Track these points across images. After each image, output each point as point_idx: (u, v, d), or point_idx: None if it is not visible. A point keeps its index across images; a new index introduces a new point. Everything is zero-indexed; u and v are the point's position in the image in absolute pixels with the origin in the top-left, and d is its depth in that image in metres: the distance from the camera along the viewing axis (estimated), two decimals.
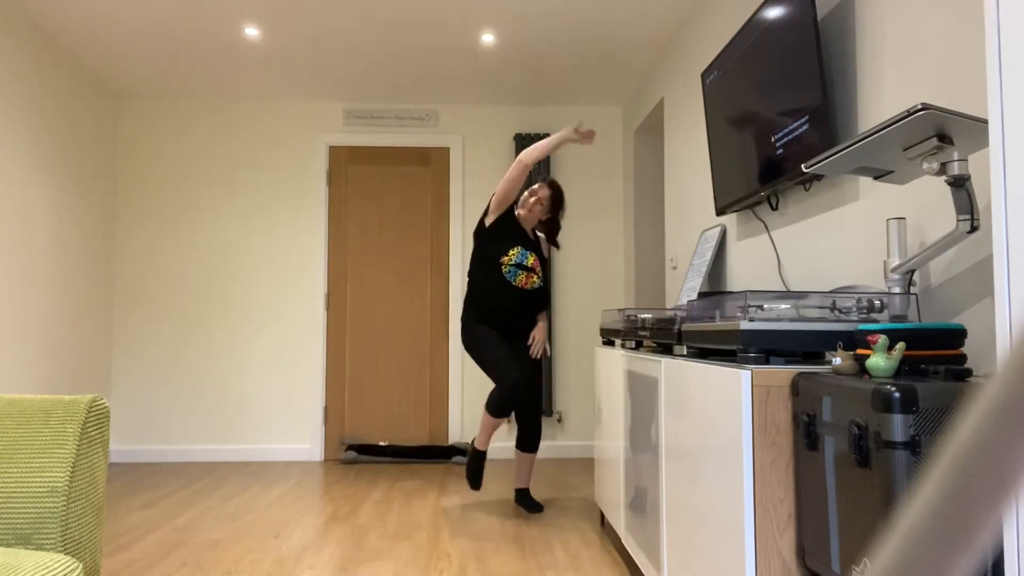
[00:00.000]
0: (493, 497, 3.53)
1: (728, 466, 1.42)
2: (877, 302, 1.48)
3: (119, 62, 4.06)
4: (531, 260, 3.22)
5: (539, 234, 3.41)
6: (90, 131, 4.24)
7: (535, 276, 3.23)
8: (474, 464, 3.22)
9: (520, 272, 3.18)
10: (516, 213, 3.29)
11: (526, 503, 3.29)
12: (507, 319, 3.23)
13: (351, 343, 4.65)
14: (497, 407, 3.12)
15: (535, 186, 3.30)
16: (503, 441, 4.64)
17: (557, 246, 3.46)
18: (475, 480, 3.21)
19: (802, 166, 1.72)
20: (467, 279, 3.37)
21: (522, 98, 4.66)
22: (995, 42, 0.91)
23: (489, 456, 4.62)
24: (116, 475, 4.08)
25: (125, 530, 2.95)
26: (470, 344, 3.23)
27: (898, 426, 1.02)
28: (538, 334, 3.31)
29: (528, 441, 3.30)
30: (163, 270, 4.59)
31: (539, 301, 3.31)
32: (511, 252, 3.19)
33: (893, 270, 1.49)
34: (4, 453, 1.36)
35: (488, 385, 4.67)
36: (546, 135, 4.71)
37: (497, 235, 3.23)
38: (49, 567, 1.19)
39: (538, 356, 3.31)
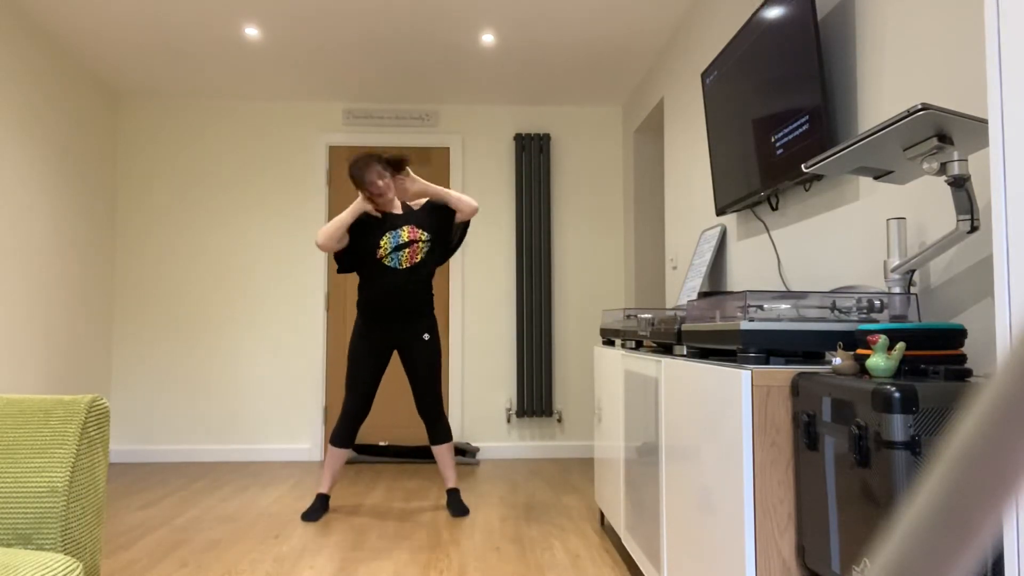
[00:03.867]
0: (493, 497, 3.53)
1: (728, 466, 1.42)
2: (877, 302, 1.48)
3: (119, 62, 4.06)
4: (405, 235, 3.13)
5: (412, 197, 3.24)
6: (90, 131, 4.24)
7: (419, 244, 3.14)
8: (313, 507, 3.13)
9: (402, 252, 3.11)
10: (376, 207, 3.13)
11: (452, 504, 3.22)
12: (394, 309, 3.14)
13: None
14: (334, 433, 3.14)
15: (368, 178, 3.04)
16: (503, 441, 4.64)
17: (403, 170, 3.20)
18: (310, 514, 3.11)
19: (802, 166, 1.72)
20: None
21: (522, 98, 4.66)
22: (995, 42, 0.91)
23: (487, 455, 4.62)
24: (116, 475, 4.08)
25: (125, 530, 2.94)
26: (348, 349, 3.20)
27: (898, 426, 1.02)
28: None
29: (436, 434, 3.22)
30: (163, 270, 4.59)
31: (429, 276, 3.19)
32: (382, 243, 3.10)
33: (893, 270, 1.49)
34: (4, 453, 1.36)
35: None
36: (546, 135, 4.71)
37: (357, 244, 3.14)
38: (49, 567, 1.19)
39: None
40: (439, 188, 3.17)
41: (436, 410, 3.20)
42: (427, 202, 3.25)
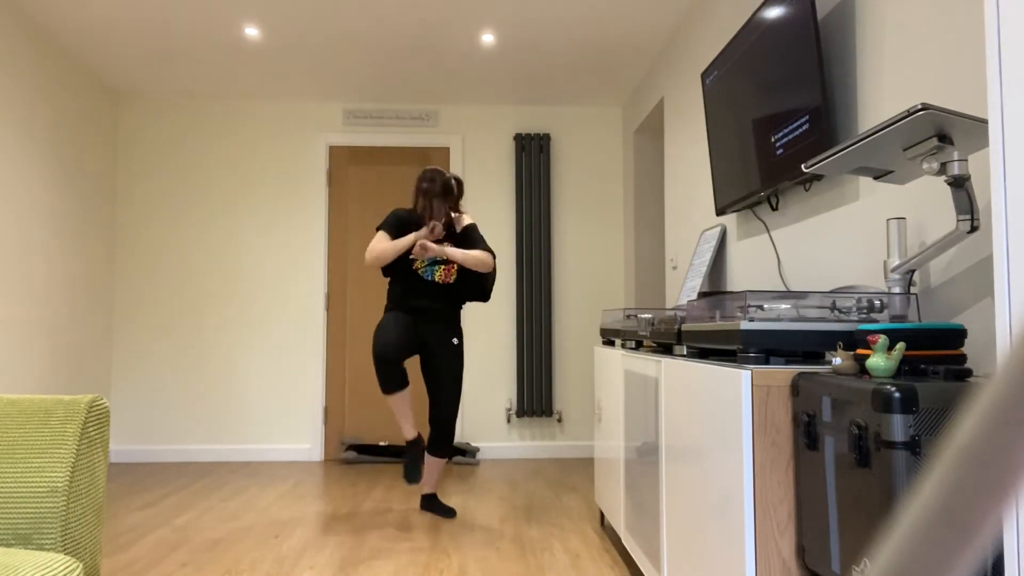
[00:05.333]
0: (493, 497, 3.53)
1: (728, 466, 1.42)
2: (877, 302, 1.48)
3: (119, 62, 4.06)
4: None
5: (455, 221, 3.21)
6: (90, 131, 4.24)
7: (454, 267, 3.14)
8: (407, 457, 3.10)
9: (438, 268, 3.12)
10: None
11: (434, 508, 3.22)
12: (423, 308, 3.11)
13: (351, 343, 4.65)
14: (380, 385, 3.00)
15: (437, 208, 3.13)
16: (503, 441, 4.64)
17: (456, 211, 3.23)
18: (410, 473, 3.09)
19: (802, 166, 1.72)
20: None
21: (522, 98, 4.66)
22: (995, 42, 0.91)
23: (487, 455, 4.63)
24: (116, 475, 4.08)
25: (125, 530, 2.94)
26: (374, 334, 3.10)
27: (898, 426, 1.02)
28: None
29: (439, 447, 3.15)
30: (163, 270, 4.59)
31: (459, 294, 3.19)
32: None
33: (893, 270, 1.49)
34: (4, 453, 1.36)
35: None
36: (546, 135, 4.71)
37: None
38: (49, 567, 1.19)
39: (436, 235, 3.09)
40: (456, 252, 3.09)
41: (450, 423, 3.14)
42: (464, 229, 3.22)
